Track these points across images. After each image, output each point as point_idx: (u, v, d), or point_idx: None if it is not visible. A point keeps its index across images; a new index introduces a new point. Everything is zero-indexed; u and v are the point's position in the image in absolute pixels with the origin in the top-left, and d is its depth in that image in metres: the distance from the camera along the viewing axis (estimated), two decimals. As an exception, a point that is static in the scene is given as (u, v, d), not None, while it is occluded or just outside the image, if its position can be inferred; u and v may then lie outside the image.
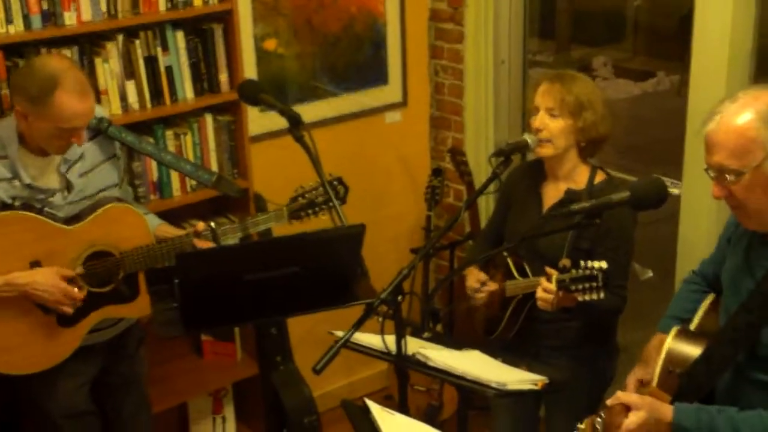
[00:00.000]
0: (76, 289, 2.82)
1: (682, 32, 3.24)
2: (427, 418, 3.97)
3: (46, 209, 2.84)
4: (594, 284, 2.53)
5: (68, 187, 2.89)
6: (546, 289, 2.69)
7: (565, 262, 2.59)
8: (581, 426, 2.17)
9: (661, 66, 7.64)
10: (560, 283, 2.60)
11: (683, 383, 2.24)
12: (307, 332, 3.72)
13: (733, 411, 2.14)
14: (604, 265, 2.53)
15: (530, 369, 2.61)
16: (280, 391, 3.74)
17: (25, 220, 2.78)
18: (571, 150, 2.96)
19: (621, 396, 2.21)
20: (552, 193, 3.03)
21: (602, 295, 2.54)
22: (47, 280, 2.77)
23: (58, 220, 2.84)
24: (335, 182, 3.05)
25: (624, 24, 8.10)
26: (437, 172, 4.04)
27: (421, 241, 4.19)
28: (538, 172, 3.08)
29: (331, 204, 2.91)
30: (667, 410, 2.17)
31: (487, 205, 4.12)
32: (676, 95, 7.06)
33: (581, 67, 7.40)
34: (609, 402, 2.23)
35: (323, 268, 2.37)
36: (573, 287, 2.56)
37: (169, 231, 3.02)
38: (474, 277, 3.11)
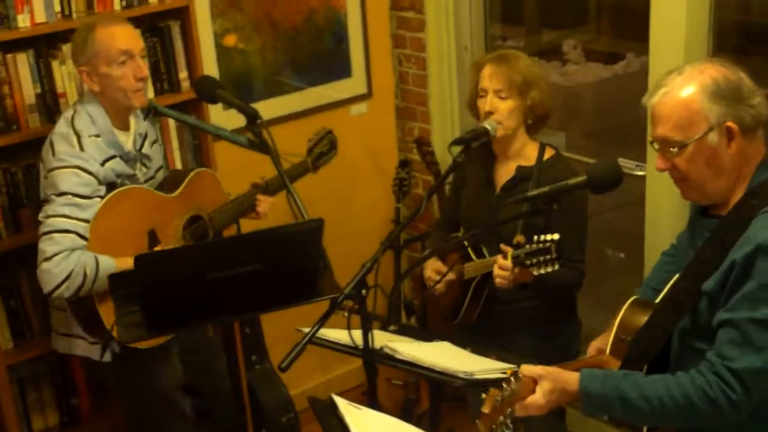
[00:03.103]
0: None
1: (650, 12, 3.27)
2: (405, 411, 3.96)
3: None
4: (548, 257, 2.54)
5: (144, 161, 3.07)
6: (502, 267, 2.70)
7: (519, 238, 2.61)
8: (483, 396, 2.14)
9: (630, 47, 7.63)
10: (515, 259, 2.61)
11: (630, 349, 2.25)
12: (282, 331, 3.67)
13: (639, 375, 2.15)
14: (555, 236, 2.54)
15: (499, 358, 2.60)
16: (256, 391, 3.73)
17: (139, 193, 2.95)
18: (519, 128, 2.98)
19: (524, 369, 2.18)
20: (503, 173, 3.04)
21: (556, 266, 2.56)
22: None
23: None
24: (329, 134, 3.47)
25: (592, 5, 8.07)
26: (404, 164, 4.02)
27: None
28: (486, 153, 3.08)
29: (333, 152, 3.48)
30: (572, 378, 2.16)
31: (456, 194, 4.10)
32: (645, 77, 7.05)
33: (551, 50, 7.37)
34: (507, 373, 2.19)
35: (284, 265, 2.34)
36: (528, 262, 2.57)
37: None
38: (431, 267, 3.11)
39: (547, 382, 2.16)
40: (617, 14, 7.89)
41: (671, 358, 2.29)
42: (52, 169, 2.81)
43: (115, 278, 2.57)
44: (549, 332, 3.05)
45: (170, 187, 3.08)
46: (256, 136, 2.76)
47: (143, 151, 3.07)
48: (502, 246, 2.72)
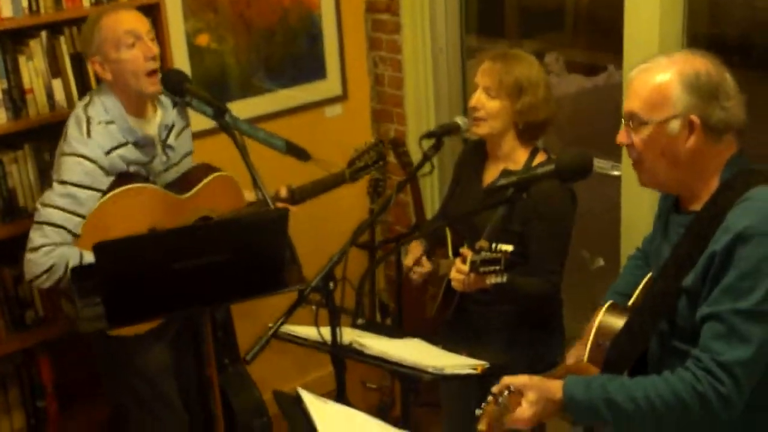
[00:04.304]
0: None
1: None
2: (380, 415, 3.91)
3: (150, 178, 2.99)
4: (497, 267, 2.46)
5: (166, 151, 3.04)
6: (458, 270, 2.61)
7: (482, 243, 2.50)
8: (481, 410, 2.10)
9: (611, 60, 7.66)
10: (472, 265, 2.51)
11: (609, 354, 2.21)
12: (255, 334, 3.64)
13: (625, 378, 2.10)
14: (509, 248, 2.46)
15: (471, 354, 2.55)
16: (229, 394, 3.66)
17: (147, 191, 2.92)
18: (508, 131, 2.90)
19: (507, 380, 2.13)
20: (491, 174, 2.97)
21: (504, 278, 2.48)
22: None
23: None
24: (377, 145, 3.40)
25: (574, 18, 8.10)
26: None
27: (367, 236, 4.12)
28: (481, 151, 3.04)
29: (380, 164, 3.39)
30: (556, 387, 2.11)
31: (431, 195, 4.08)
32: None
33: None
34: (495, 389, 2.13)
35: (249, 254, 2.31)
36: (482, 269, 2.48)
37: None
38: (411, 255, 3.06)
39: (531, 392, 2.10)
40: (600, 27, 7.92)
41: (649, 361, 2.24)
42: (62, 154, 2.85)
43: (78, 270, 2.54)
44: (521, 339, 2.98)
45: (185, 186, 3.06)
46: (223, 129, 2.73)
47: (168, 142, 3.06)
48: (462, 249, 2.65)
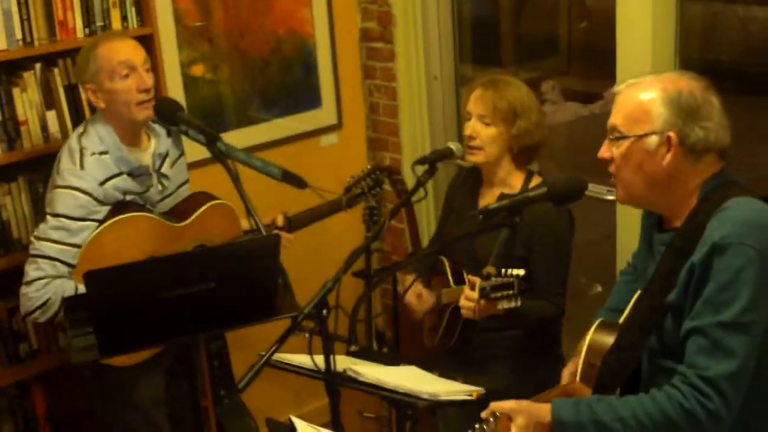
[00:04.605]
0: None
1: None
2: (378, 445, 3.89)
3: (147, 206, 2.97)
4: (510, 292, 2.45)
5: (161, 180, 3.03)
6: (468, 297, 2.61)
7: (489, 269, 2.48)
8: None
9: (608, 87, 7.67)
10: (482, 291, 2.49)
11: (600, 373, 2.19)
12: (251, 364, 3.62)
13: (613, 398, 2.09)
14: (521, 272, 2.45)
15: (467, 381, 2.54)
16: (225, 424, 3.64)
17: (142, 221, 2.90)
18: (504, 157, 2.91)
19: (494, 406, 2.12)
20: (487, 199, 2.96)
21: (518, 302, 2.47)
22: None
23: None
24: (374, 173, 3.39)
25: (569, 46, 8.13)
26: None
27: (363, 264, 4.11)
28: (476, 177, 3.04)
29: (376, 190, 3.39)
30: (544, 410, 2.10)
31: (428, 223, 4.07)
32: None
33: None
34: (483, 414, 2.12)
35: (240, 282, 2.29)
36: (493, 295, 2.47)
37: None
38: (412, 291, 3.05)
39: (521, 417, 2.09)
40: (596, 55, 7.96)
41: (642, 379, 2.23)
42: (55, 187, 2.83)
43: (71, 301, 2.53)
44: (527, 364, 2.97)
45: (183, 214, 3.04)
46: (216, 157, 2.73)
47: (163, 170, 3.04)
48: (470, 277, 2.65)
